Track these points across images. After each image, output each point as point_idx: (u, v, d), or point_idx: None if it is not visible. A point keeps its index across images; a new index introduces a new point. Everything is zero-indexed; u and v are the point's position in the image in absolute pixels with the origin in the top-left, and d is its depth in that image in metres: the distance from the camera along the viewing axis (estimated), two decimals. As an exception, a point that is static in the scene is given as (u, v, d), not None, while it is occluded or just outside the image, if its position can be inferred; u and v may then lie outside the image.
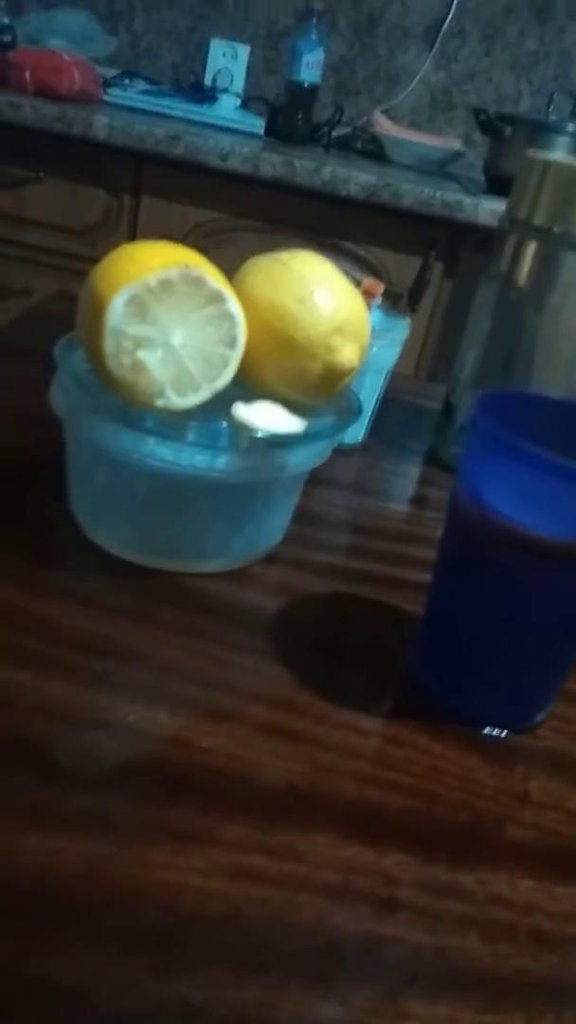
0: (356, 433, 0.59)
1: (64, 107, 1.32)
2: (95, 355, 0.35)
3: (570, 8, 1.66)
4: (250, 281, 0.40)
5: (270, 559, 0.44)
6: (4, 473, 0.46)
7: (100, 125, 1.31)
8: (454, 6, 1.66)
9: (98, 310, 0.34)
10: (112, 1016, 0.22)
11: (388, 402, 0.61)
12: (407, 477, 0.59)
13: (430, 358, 1.45)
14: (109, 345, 0.34)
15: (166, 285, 0.34)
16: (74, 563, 0.40)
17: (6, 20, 1.41)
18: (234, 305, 0.37)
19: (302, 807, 0.29)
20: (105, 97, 1.46)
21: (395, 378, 0.63)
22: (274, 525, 0.43)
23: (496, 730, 0.35)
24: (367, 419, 0.59)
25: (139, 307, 0.34)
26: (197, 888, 0.25)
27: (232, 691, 0.34)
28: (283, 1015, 0.22)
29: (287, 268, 0.40)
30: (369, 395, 0.57)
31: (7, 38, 1.40)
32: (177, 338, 0.35)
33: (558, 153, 0.54)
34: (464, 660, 0.35)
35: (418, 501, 0.56)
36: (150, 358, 0.35)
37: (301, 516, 0.47)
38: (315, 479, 0.53)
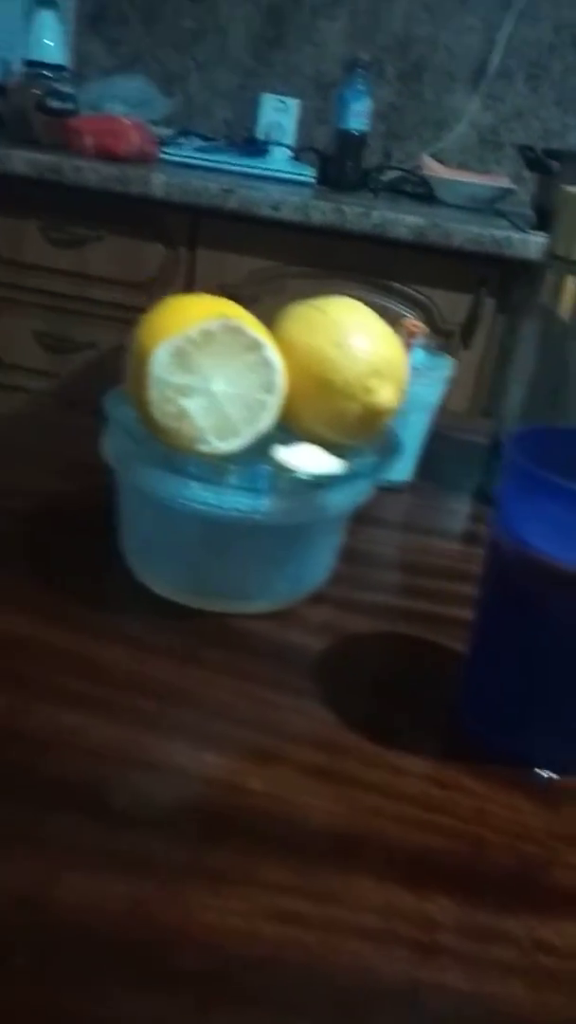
0: (404, 471, 0.59)
1: (123, 167, 1.38)
2: (141, 404, 0.36)
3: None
4: (289, 328, 0.41)
5: (316, 599, 0.44)
6: (60, 519, 0.48)
7: (157, 183, 1.36)
8: (498, 48, 1.69)
9: (142, 361, 0.36)
10: (150, 1055, 0.22)
11: (437, 439, 0.61)
12: (455, 514, 0.59)
13: (485, 394, 1.44)
14: (153, 394, 0.35)
15: (207, 335, 0.36)
16: (124, 605, 0.42)
17: (69, 89, 1.49)
18: (272, 352, 0.38)
19: (343, 849, 0.29)
20: (162, 155, 1.52)
21: (444, 415, 0.63)
22: (318, 565, 0.44)
23: (543, 771, 0.34)
24: (414, 457, 0.59)
25: (181, 357, 0.35)
26: (237, 929, 0.26)
27: (276, 732, 0.35)
28: (319, 1060, 0.22)
29: (324, 314, 0.41)
30: (415, 434, 0.58)
31: (69, 106, 1.48)
32: (218, 385, 0.36)
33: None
34: (507, 699, 0.34)
35: (466, 538, 0.56)
36: (192, 405, 0.36)
37: (349, 555, 0.47)
38: (363, 518, 0.53)
